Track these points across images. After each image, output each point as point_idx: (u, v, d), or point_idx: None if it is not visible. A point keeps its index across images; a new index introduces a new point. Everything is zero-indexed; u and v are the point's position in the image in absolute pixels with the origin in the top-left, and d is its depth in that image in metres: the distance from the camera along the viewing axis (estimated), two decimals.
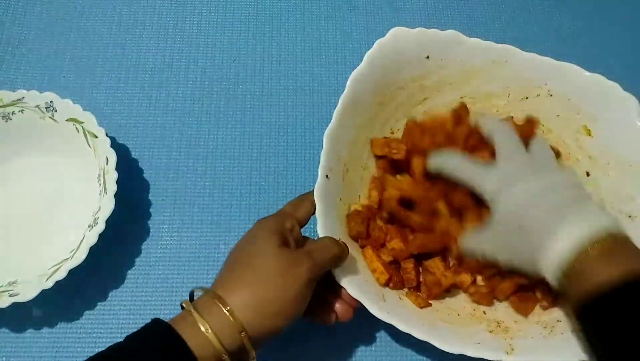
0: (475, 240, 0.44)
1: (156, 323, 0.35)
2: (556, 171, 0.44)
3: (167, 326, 0.35)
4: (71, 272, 0.45)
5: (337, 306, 0.43)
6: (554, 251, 0.38)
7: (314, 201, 0.43)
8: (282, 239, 0.39)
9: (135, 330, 0.35)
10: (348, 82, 0.47)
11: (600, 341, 0.36)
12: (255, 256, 0.38)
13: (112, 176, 0.48)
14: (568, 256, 0.37)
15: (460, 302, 0.48)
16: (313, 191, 0.43)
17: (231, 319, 0.35)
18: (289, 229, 0.41)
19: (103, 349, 0.34)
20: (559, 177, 0.42)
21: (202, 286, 0.38)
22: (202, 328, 0.34)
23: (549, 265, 0.38)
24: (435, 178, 0.46)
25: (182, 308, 0.37)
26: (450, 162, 0.45)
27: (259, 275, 0.37)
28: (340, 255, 0.41)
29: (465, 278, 0.46)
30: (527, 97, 0.51)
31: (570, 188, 0.41)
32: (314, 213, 0.44)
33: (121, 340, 0.35)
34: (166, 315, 0.37)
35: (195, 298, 0.38)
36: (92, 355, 0.34)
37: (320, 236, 0.42)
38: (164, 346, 0.34)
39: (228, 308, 0.35)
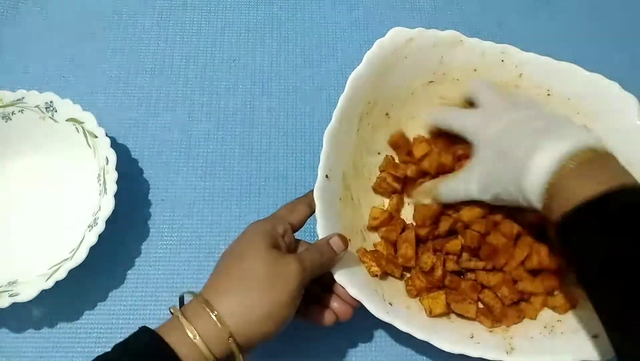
0: (458, 181, 0.45)
1: (143, 331, 0.35)
2: (539, 107, 0.45)
3: (155, 334, 0.34)
4: (71, 272, 0.45)
5: (336, 306, 0.43)
6: (535, 170, 0.36)
7: (311, 204, 0.43)
8: (272, 243, 0.39)
9: (130, 333, 0.35)
10: (347, 83, 0.47)
11: (578, 258, 0.35)
12: (244, 259, 0.38)
13: (112, 176, 0.48)
14: (548, 173, 0.36)
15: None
16: (309, 194, 0.44)
17: (219, 324, 0.35)
18: (281, 233, 0.41)
19: (100, 354, 0.34)
20: (541, 109, 0.44)
21: (191, 291, 0.38)
22: (190, 335, 0.34)
23: (531, 185, 0.37)
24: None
25: (172, 313, 0.37)
26: (441, 114, 0.49)
27: (247, 279, 0.37)
28: (331, 261, 0.41)
29: (470, 308, 0.45)
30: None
31: (552, 115, 0.42)
32: (310, 215, 0.44)
33: (121, 340, 0.35)
34: (166, 316, 0.37)
35: (185, 302, 0.38)
36: (92, 355, 0.34)
37: (319, 235, 0.42)
38: (151, 355, 0.34)
39: (216, 313, 0.35)
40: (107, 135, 0.49)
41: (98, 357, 0.34)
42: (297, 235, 0.44)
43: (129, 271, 0.51)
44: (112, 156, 0.48)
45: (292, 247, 0.43)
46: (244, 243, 0.40)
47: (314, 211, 0.43)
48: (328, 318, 0.42)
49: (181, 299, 0.39)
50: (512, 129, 0.41)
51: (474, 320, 0.45)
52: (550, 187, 0.36)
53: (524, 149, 0.38)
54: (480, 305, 0.46)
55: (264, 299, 0.36)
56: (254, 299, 0.36)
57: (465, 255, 0.47)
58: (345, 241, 0.41)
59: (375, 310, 0.41)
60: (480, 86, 0.48)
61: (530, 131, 0.39)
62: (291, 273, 0.37)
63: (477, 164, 0.43)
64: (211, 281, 0.38)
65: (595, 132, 0.38)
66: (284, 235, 0.41)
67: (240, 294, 0.36)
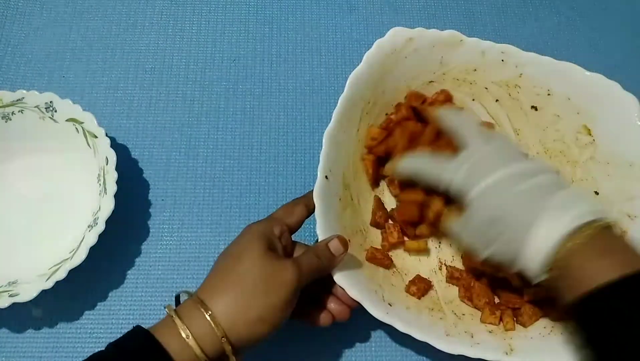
0: (457, 227, 0.43)
1: (137, 330, 0.35)
2: (524, 159, 0.42)
3: (147, 333, 0.35)
4: (71, 272, 0.45)
5: (334, 307, 0.43)
6: (535, 247, 0.36)
7: (308, 204, 0.43)
8: (268, 245, 0.39)
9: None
10: (347, 83, 0.47)
11: (594, 342, 0.34)
12: (240, 261, 0.38)
13: (112, 176, 0.48)
14: (550, 252, 0.35)
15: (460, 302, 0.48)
16: (307, 194, 0.44)
17: (212, 325, 0.35)
18: (277, 235, 0.41)
19: (95, 352, 0.34)
20: (528, 164, 0.40)
21: (187, 290, 0.38)
22: (183, 334, 0.34)
23: (531, 262, 0.37)
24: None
25: (167, 312, 0.37)
26: (413, 164, 0.45)
27: (243, 280, 0.37)
28: (330, 265, 0.41)
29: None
30: (527, 97, 0.51)
31: (543, 174, 0.39)
32: (308, 217, 0.44)
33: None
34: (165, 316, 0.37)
35: (181, 301, 0.38)
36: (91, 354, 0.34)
37: (319, 235, 0.42)
38: (143, 354, 0.34)
39: (210, 312, 0.35)
40: (107, 135, 0.50)
41: (92, 356, 0.34)
42: (297, 234, 0.44)
43: (129, 271, 0.51)
44: (112, 156, 0.48)
45: (289, 249, 0.42)
46: (240, 245, 0.40)
47: (312, 212, 0.43)
48: (325, 318, 0.42)
49: (177, 298, 0.40)
50: (502, 192, 0.39)
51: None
52: (558, 262, 0.35)
53: (519, 221, 0.37)
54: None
55: (259, 302, 0.36)
56: (249, 301, 0.36)
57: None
58: (345, 243, 0.41)
59: (375, 310, 0.41)
60: (460, 123, 0.45)
61: (522, 196, 0.38)
62: (287, 278, 0.37)
63: (468, 222, 0.41)
64: (207, 281, 0.38)
65: (591, 200, 0.37)
66: (280, 237, 0.41)
67: (235, 296, 0.36)
